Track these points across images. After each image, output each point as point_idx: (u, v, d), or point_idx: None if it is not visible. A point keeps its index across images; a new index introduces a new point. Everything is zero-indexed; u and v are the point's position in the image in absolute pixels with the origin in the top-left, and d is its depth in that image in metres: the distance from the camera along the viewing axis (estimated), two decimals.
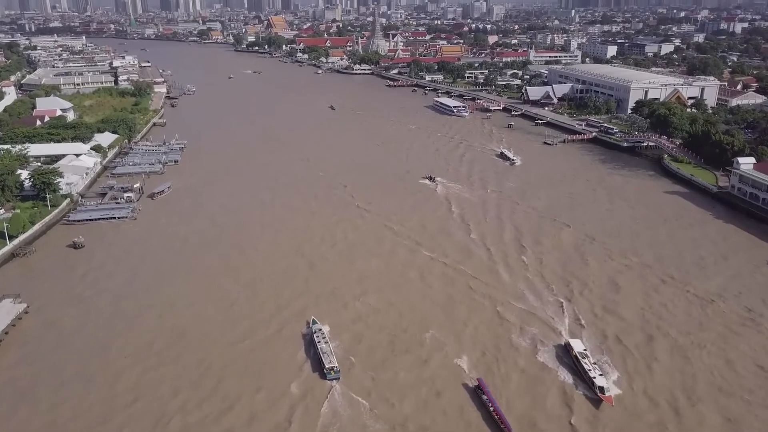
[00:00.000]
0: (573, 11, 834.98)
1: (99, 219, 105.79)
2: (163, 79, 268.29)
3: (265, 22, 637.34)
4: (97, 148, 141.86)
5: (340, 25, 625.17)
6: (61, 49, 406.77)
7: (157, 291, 79.86)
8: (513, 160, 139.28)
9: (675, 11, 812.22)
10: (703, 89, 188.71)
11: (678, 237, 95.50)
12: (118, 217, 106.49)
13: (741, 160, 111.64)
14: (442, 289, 79.19)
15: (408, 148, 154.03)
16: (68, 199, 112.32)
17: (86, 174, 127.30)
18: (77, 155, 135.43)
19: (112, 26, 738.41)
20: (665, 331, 68.22)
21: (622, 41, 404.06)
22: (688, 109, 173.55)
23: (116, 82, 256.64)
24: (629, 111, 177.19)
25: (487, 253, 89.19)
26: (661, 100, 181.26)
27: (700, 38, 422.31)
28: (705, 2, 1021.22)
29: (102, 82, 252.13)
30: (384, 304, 75.42)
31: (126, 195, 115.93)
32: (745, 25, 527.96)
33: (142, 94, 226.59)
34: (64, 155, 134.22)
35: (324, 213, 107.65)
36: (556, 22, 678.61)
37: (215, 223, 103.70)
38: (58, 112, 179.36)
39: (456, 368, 62.47)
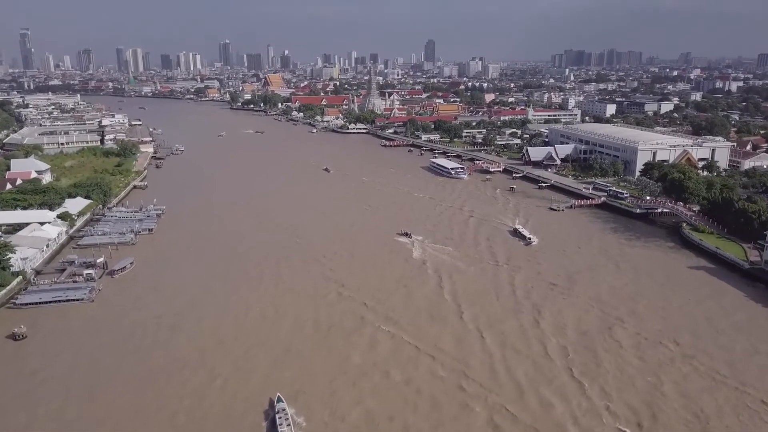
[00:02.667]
0: (567, 70, 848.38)
1: (51, 302, 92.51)
2: (150, 139, 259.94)
3: (263, 80, 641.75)
4: (64, 216, 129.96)
5: (337, 84, 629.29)
6: (53, 107, 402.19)
7: (103, 399, 65.92)
8: (529, 239, 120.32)
9: (667, 70, 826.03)
10: (713, 150, 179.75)
11: (737, 332, 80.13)
12: (73, 300, 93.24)
13: None
14: (442, 405, 65.47)
15: (403, 218, 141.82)
16: (19, 278, 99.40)
17: (47, 246, 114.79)
18: (42, 224, 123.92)
19: (110, 84, 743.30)
20: None
21: (621, 100, 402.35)
22: (699, 171, 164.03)
23: (103, 141, 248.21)
24: (638, 173, 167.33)
25: (522, 370, 71.57)
26: (670, 161, 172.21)
27: (697, 96, 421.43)
28: (695, 61, 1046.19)
29: (87, 142, 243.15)
30: (363, 406, 62.91)
31: (86, 272, 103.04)
32: (740, 83, 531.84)
33: (126, 154, 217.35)
34: (28, 224, 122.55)
35: (299, 294, 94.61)
36: (552, 80, 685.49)
37: (179, 306, 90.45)
38: (33, 174, 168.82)
39: None
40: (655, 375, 69.67)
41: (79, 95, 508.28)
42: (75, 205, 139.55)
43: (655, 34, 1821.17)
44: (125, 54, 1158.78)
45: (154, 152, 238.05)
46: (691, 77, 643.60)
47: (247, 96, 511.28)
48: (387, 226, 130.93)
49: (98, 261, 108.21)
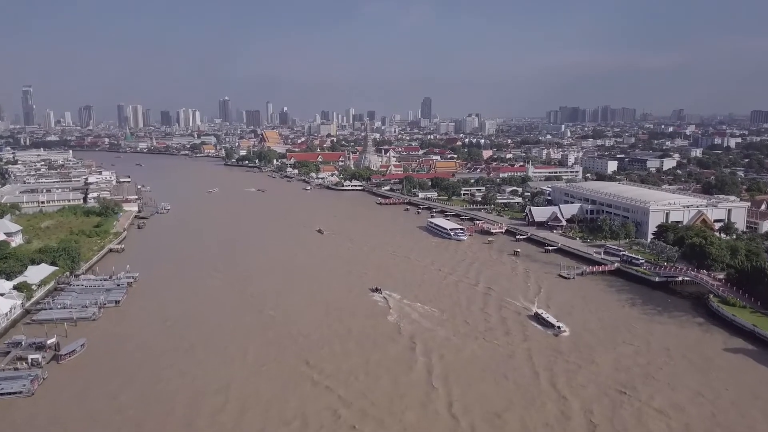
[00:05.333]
0: (563, 126, 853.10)
1: None
2: (136, 197, 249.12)
3: (260, 136, 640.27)
4: (21, 287, 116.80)
5: (335, 140, 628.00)
6: (41, 163, 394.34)
7: None
8: (558, 327, 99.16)
9: (662, 126, 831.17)
10: (729, 211, 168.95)
11: None
12: (9, 393, 79.08)
13: None
14: None
15: (404, 290, 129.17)
16: None
17: None
18: None
19: (106, 140, 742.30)
20: None
21: (622, 156, 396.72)
22: (717, 234, 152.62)
23: (86, 199, 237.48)
24: (650, 236, 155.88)
25: None
26: (684, 223, 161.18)
27: (697, 153, 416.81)
28: (688, 118, 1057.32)
29: (69, 200, 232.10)
30: None
31: (32, 356, 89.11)
32: (738, 139, 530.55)
33: (107, 214, 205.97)
34: None
35: (270, 389, 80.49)
36: (549, 136, 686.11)
37: (131, 402, 76.27)
38: (2, 237, 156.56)
39: None
40: None
41: (71, 151, 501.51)
42: (38, 273, 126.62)
43: (648, 91, 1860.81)
44: (126, 110, 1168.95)
45: (138, 211, 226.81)
46: (687, 133, 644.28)
47: (243, 152, 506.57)
48: (382, 306, 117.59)
49: (49, 342, 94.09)
